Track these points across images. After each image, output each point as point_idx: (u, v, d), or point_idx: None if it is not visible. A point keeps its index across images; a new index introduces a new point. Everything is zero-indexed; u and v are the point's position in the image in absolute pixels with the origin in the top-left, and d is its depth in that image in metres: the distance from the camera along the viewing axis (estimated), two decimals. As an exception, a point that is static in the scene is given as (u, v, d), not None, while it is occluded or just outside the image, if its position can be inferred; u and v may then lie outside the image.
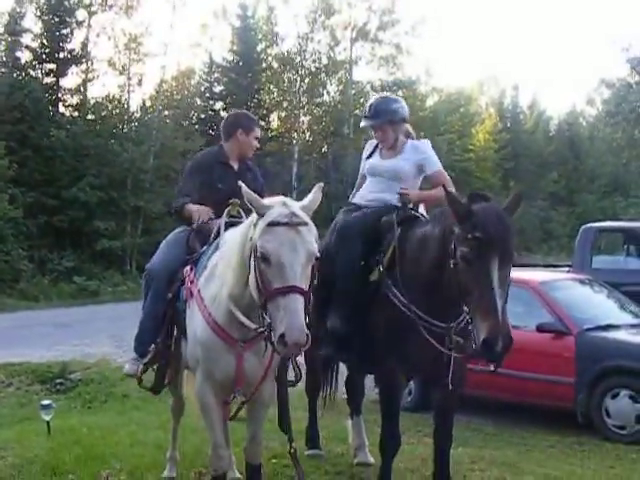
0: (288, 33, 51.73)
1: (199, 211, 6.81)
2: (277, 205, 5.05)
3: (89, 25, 40.84)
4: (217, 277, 5.72)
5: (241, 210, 6.30)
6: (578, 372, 10.38)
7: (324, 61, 49.94)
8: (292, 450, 5.99)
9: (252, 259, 5.04)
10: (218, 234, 6.19)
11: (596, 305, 11.85)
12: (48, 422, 9.00)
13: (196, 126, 45.26)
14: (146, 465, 7.61)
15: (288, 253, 4.86)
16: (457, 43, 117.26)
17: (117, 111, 41.51)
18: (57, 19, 38.93)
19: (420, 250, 6.37)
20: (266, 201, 5.14)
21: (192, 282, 6.03)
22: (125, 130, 41.22)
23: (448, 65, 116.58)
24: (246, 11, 47.78)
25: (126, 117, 41.85)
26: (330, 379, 8.33)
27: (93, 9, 41.16)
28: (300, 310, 4.74)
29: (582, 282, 12.66)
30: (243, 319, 5.40)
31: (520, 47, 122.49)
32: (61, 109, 40.23)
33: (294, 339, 4.64)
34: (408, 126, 7.57)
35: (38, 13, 39.21)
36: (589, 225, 16.32)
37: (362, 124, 7.68)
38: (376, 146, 7.63)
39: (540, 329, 10.55)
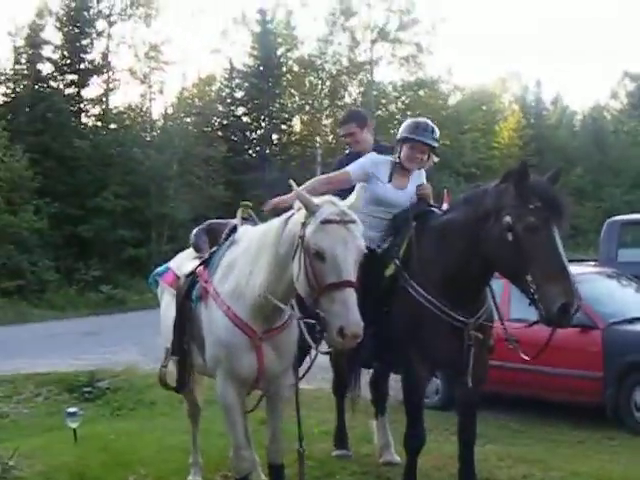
0: (308, 36, 51.93)
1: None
2: (327, 204, 5.18)
3: (109, 35, 41.21)
4: (237, 272, 5.79)
5: (251, 212, 6.35)
6: (606, 366, 10.28)
7: (345, 63, 50.02)
8: (301, 449, 6.01)
9: (301, 256, 5.14)
10: (229, 234, 6.23)
11: (622, 298, 11.73)
12: (74, 429, 9.03)
13: (218, 132, 45.35)
14: (172, 470, 7.63)
15: (342, 249, 5.01)
16: (478, 40, 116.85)
17: (139, 120, 41.72)
18: (77, 30, 39.34)
19: (444, 237, 6.38)
20: (316, 200, 5.24)
21: (206, 281, 6.04)
22: (148, 138, 41.44)
23: (470, 63, 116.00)
24: (265, 16, 47.88)
25: (148, 125, 42.14)
26: (356, 380, 8.29)
27: (112, 19, 41.50)
28: (355, 303, 4.89)
29: (608, 276, 12.56)
30: (282, 305, 5.52)
31: (542, 42, 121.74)
32: (83, 119, 40.61)
33: (353, 331, 4.81)
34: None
35: (58, 25, 39.55)
36: (614, 219, 16.20)
37: (404, 134, 7.38)
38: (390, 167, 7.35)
39: (566, 324, 10.43)
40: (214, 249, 6.36)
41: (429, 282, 6.38)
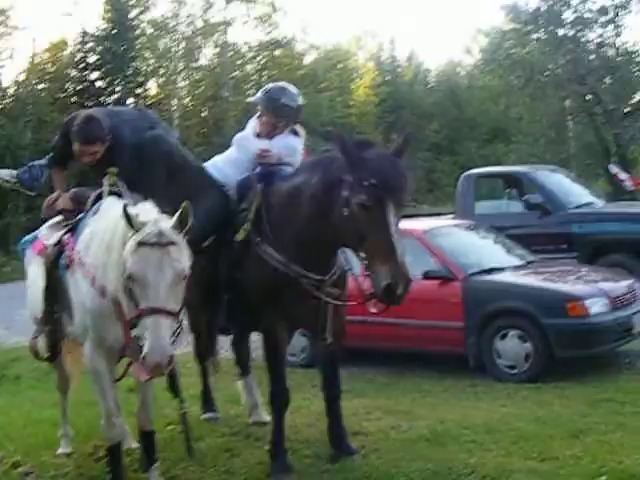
0: (160, -3, 51.06)
1: (62, 201, 6.84)
2: (149, 224, 5.04)
3: (-48, 1, 39.63)
4: (98, 247, 5.66)
5: (117, 180, 6.21)
6: (466, 316, 10.56)
7: (199, 24, 49.38)
8: (183, 411, 6.03)
9: (123, 275, 5.08)
10: (96, 201, 6.13)
11: (480, 250, 12.06)
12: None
13: (73, 98, 44.30)
14: (41, 444, 7.55)
15: (154, 274, 4.92)
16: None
17: (-11, 87, 40.43)
18: None
19: (294, 203, 6.40)
20: (142, 216, 5.12)
21: (72, 249, 5.95)
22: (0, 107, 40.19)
23: (324, 22, 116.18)
24: (116, -24, 46.81)
25: (-1, 93, 40.78)
26: (214, 342, 8.32)
27: (-44, -18, 39.93)
28: (163, 332, 4.84)
29: (466, 228, 12.88)
30: (125, 310, 5.36)
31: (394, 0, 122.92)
32: None
33: (155, 361, 4.76)
34: (296, 128, 7.49)
35: None
36: (469, 172, 16.51)
37: (253, 99, 7.57)
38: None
39: (426, 276, 10.63)
40: (80, 216, 6.25)
41: (281, 245, 6.42)
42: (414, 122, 61.13)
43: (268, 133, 7.33)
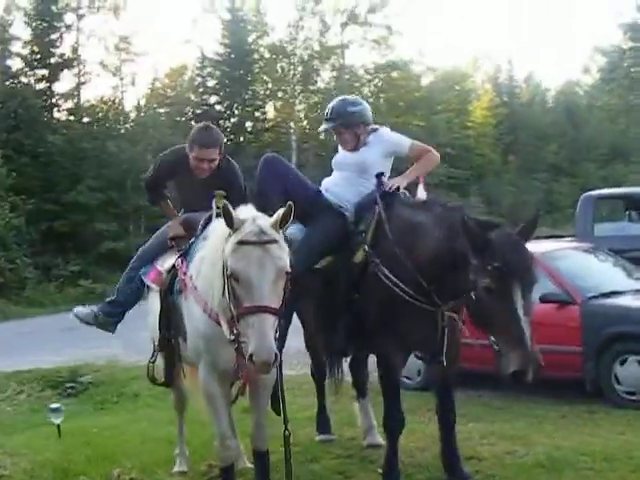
0: (278, 22, 51.80)
1: (172, 227, 6.97)
2: (248, 222, 5.08)
3: (78, 28, 40.87)
4: (206, 269, 5.73)
5: (226, 201, 6.26)
6: (584, 341, 10.33)
7: (316, 47, 49.81)
8: (286, 432, 6.03)
9: (225, 275, 5.11)
10: (205, 226, 6.20)
11: (599, 273, 11.77)
12: (58, 425, 9.02)
13: (192, 122, 45.15)
14: (157, 461, 7.65)
15: (256, 272, 4.93)
16: (449, 21, 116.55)
17: (112, 112, 41.49)
18: (46, 24, 38.91)
19: (417, 240, 6.35)
20: (241, 215, 5.17)
21: (185, 273, 6.03)
22: (122, 131, 41.22)
23: (441, 44, 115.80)
24: (234, 3, 47.66)
25: (121, 118, 41.87)
26: (334, 363, 8.31)
27: (81, 12, 41.21)
28: (268, 330, 4.83)
29: (585, 251, 12.63)
30: (224, 327, 5.42)
31: (512, 21, 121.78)
32: (56, 114, 40.40)
33: (262, 359, 4.75)
34: (375, 127, 7.49)
35: (27, 20, 39.15)
36: (588, 193, 16.26)
37: (320, 128, 7.68)
38: None
39: (544, 300, 10.45)
40: (191, 241, 6.35)
41: (401, 268, 6.38)
42: (532, 143, 60.55)
43: (355, 147, 7.34)
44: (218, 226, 5.65)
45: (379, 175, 7.07)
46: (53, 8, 39.34)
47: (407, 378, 10.91)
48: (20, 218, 32.80)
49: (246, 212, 5.29)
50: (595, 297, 10.66)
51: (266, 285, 4.92)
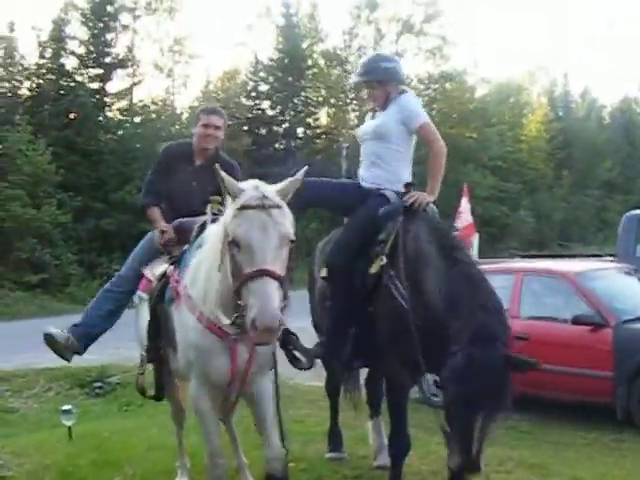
0: (333, 29, 51.86)
1: (165, 232, 6.83)
2: (249, 189, 4.86)
3: (133, 29, 41.29)
4: (203, 276, 5.45)
5: (222, 207, 6.01)
6: (616, 365, 10.00)
7: (370, 56, 49.80)
8: (283, 450, 5.72)
9: (225, 245, 4.86)
10: (200, 232, 5.99)
11: (636, 296, 11.42)
12: (69, 427, 8.94)
13: (244, 126, 45.32)
14: (160, 470, 7.46)
15: (258, 236, 4.67)
16: (505, 33, 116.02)
17: (163, 113, 41.73)
18: (102, 25, 39.31)
19: (425, 269, 6.01)
20: (242, 184, 4.95)
21: (177, 281, 5.82)
22: (173, 132, 41.41)
23: (497, 55, 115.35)
24: (289, 9, 47.82)
25: (172, 119, 42.06)
26: (349, 379, 8.08)
27: (137, 13, 41.61)
28: (272, 293, 4.54)
29: (623, 272, 12.28)
30: (220, 316, 5.19)
31: (569, 35, 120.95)
32: (108, 113, 40.60)
33: (265, 323, 4.44)
34: (405, 88, 7.17)
35: (83, 19, 39.52)
36: (632, 212, 15.82)
37: (351, 80, 7.48)
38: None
39: (576, 321, 10.20)
40: (185, 248, 6.16)
41: (412, 282, 6.12)
42: (586, 159, 60.02)
43: (384, 104, 7.04)
44: (214, 232, 5.42)
45: (408, 185, 6.81)
46: (109, 8, 39.68)
47: (434, 395, 10.67)
48: (67, 215, 33.07)
49: (247, 182, 5.05)
50: (630, 320, 10.35)
51: (269, 250, 4.65)
